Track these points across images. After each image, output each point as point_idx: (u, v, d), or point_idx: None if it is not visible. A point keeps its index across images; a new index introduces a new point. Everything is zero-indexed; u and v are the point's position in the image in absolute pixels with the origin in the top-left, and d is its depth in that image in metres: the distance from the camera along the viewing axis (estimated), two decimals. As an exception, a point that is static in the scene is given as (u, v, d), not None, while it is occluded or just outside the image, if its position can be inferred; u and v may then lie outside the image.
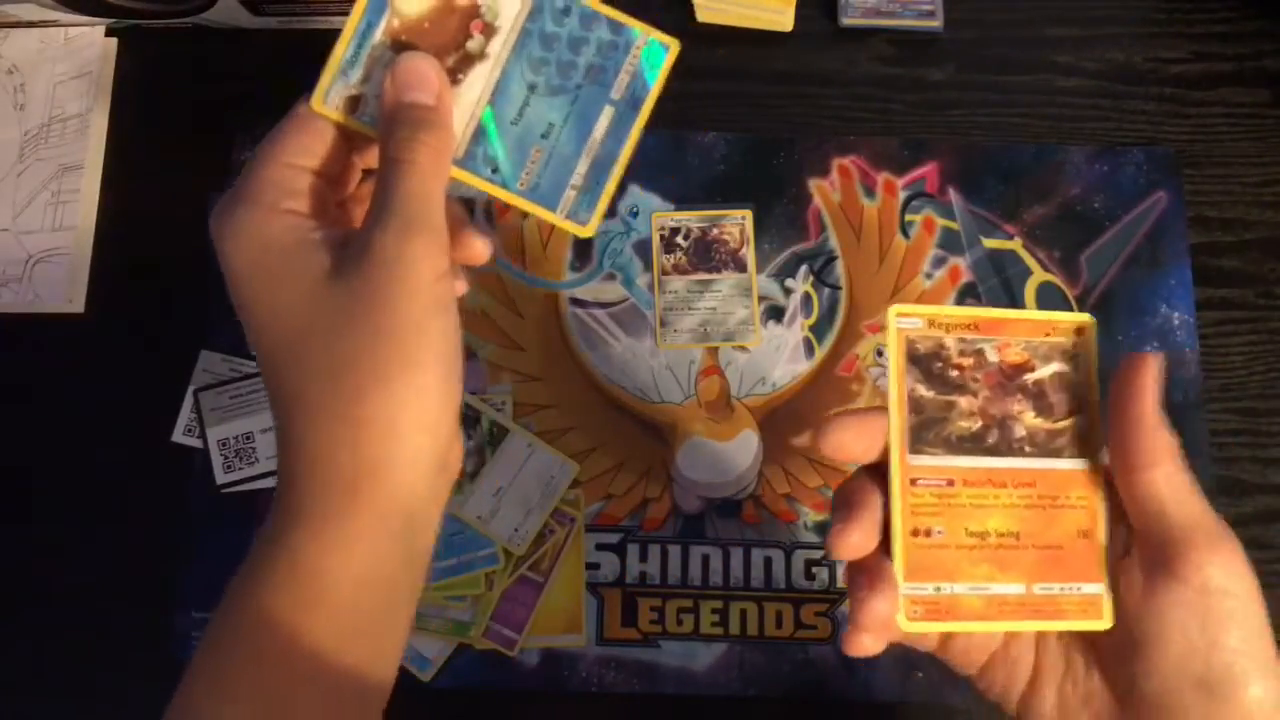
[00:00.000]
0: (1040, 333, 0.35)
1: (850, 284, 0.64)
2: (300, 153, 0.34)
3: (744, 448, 0.62)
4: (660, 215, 0.65)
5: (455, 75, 0.34)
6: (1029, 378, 0.35)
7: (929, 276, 0.64)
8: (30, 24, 0.67)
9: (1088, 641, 0.35)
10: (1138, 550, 0.33)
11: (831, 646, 0.59)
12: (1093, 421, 0.36)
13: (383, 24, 0.36)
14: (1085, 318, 0.36)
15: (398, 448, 0.31)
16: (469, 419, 0.60)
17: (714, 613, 0.59)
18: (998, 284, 0.64)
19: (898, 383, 0.34)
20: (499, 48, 0.35)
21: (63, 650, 0.58)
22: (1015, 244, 0.65)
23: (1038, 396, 0.35)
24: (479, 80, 0.34)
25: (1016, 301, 0.64)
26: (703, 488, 0.61)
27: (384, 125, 0.33)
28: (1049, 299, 0.64)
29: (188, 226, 0.64)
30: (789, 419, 0.62)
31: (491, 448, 0.60)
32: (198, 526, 0.59)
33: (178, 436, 0.60)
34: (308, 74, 0.68)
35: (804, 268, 0.64)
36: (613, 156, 0.36)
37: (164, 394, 0.61)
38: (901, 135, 0.67)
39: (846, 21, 0.69)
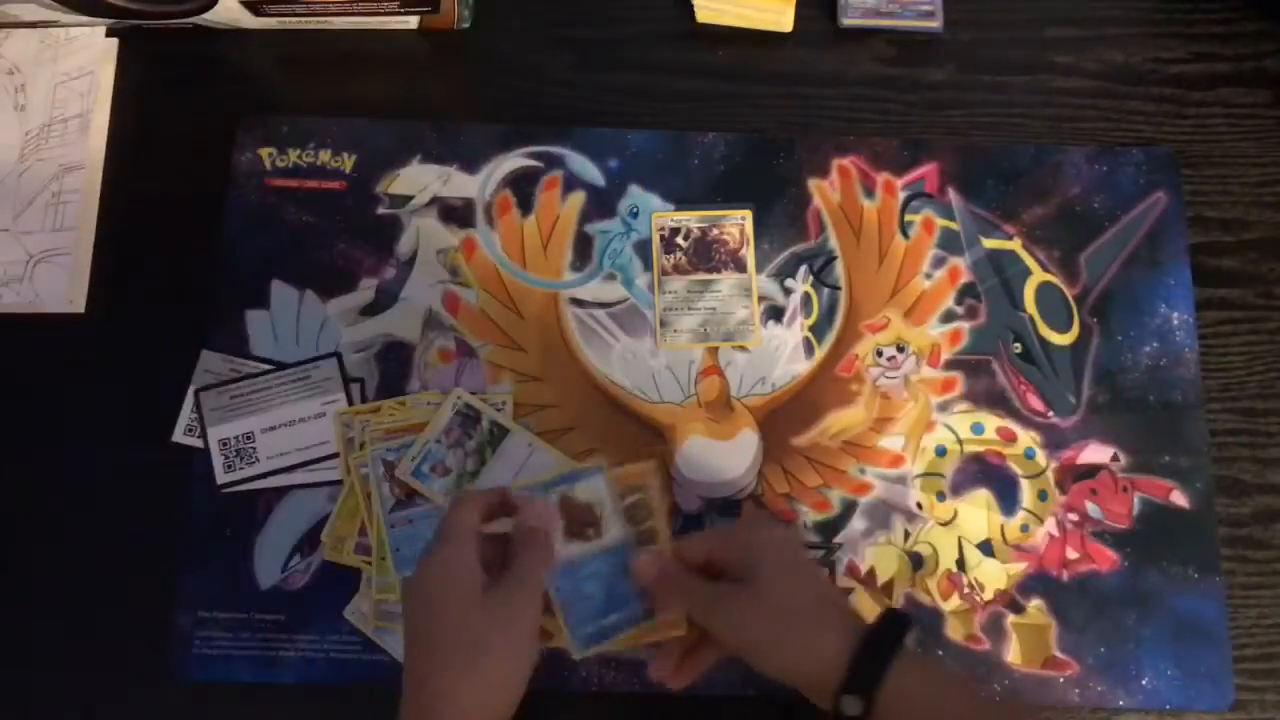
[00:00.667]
0: None
1: (850, 284, 0.64)
2: (472, 522, 0.51)
3: (744, 448, 0.62)
4: (660, 215, 0.65)
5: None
6: None
7: (928, 277, 0.64)
8: (31, 24, 0.67)
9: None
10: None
11: (831, 646, 0.59)
12: None
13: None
14: None
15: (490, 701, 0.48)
16: (469, 418, 0.60)
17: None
18: (997, 284, 0.64)
19: None
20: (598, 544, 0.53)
21: (63, 650, 0.58)
22: (1015, 244, 0.65)
23: None
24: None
25: (1016, 302, 0.64)
26: (703, 487, 0.61)
27: (518, 536, 0.51)
28: (1048, 299, 0.64)
29: (189, 227, 0.64)
30: (789, 419, 0.62)
31: (491, 448, 0.60)
32: (198, 526, 0.59)
33: (178, 436, 0.60)
34: (309, 75, 0.68)
35: (804, 268, 0.64)
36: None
37: (165, 394, 0.61)
38: (901, 135, 0.67)
39: (846, 22, 0.69)
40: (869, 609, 0.59)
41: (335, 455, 0.60)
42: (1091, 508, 0.61)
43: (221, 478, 0.60)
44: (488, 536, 0.51)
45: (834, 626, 0.49)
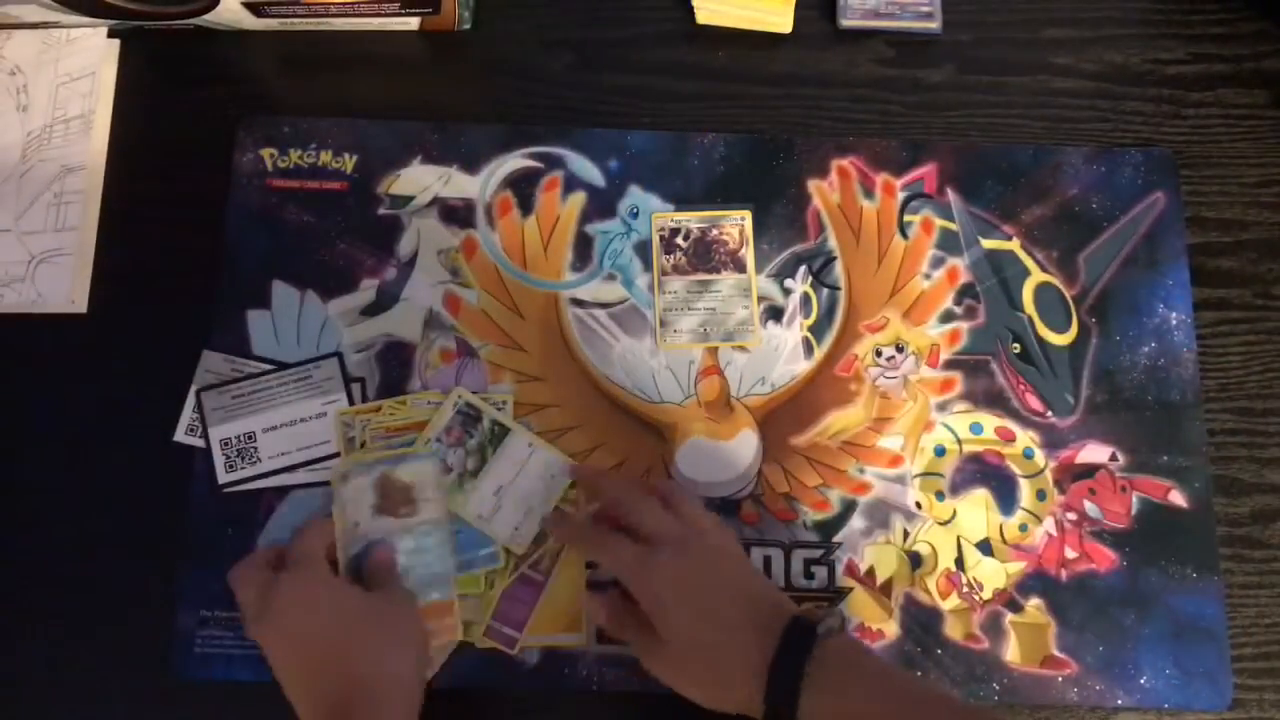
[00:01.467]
0: None
1: (849, 284, 0.64)
2: (322, 538, 0.57)
3: (743, 447, 0.62)
4: (660, 216, 0.65)
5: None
6: None
7: (927, 277, 0.65)
8: (33, 25, 0.68)
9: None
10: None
11: (831, 645, 0.59)
12: None
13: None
14: None
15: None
16: (470, 417, 0.60)
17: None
18: (996, 284, 0.65)
19: None
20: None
21: (64, 650, 0.58)
22: (1013, 244, 0.65)
23: None
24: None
25: (1015, 302, 0.64)
26: (703, 487, 0.61)
27: (373, 569, 0.56)
28: (1047, 299, 0.64)
29: (190, 227, 0.64)
30: (788, 419, 0.62)
31: (492, 447, 0.60)
32: (199, 526, 0.59)
33: (180, 436, 0.61)
34: (309, 76, 0.68)
35: (803, 268, 0.65)
36: None
37: (166, 394, 0.61)
38: (900, 136, 0.67)
39: (845, 23, 0.69)
40: (868, 608, 0.59)
41: (337, 455, 0.60)
42: (1090, 507, 0.61)
43: (223, 477, 0.60)
44: None
45: (741, 660, 0.49)
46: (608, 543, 0.54)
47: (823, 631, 0.49)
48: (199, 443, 0.60)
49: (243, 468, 0.60)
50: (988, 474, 0.62)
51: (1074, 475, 0.62)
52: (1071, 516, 0.61)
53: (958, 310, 0.64)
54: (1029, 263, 0.65)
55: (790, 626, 0.49)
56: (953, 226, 0.65)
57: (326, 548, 0.56)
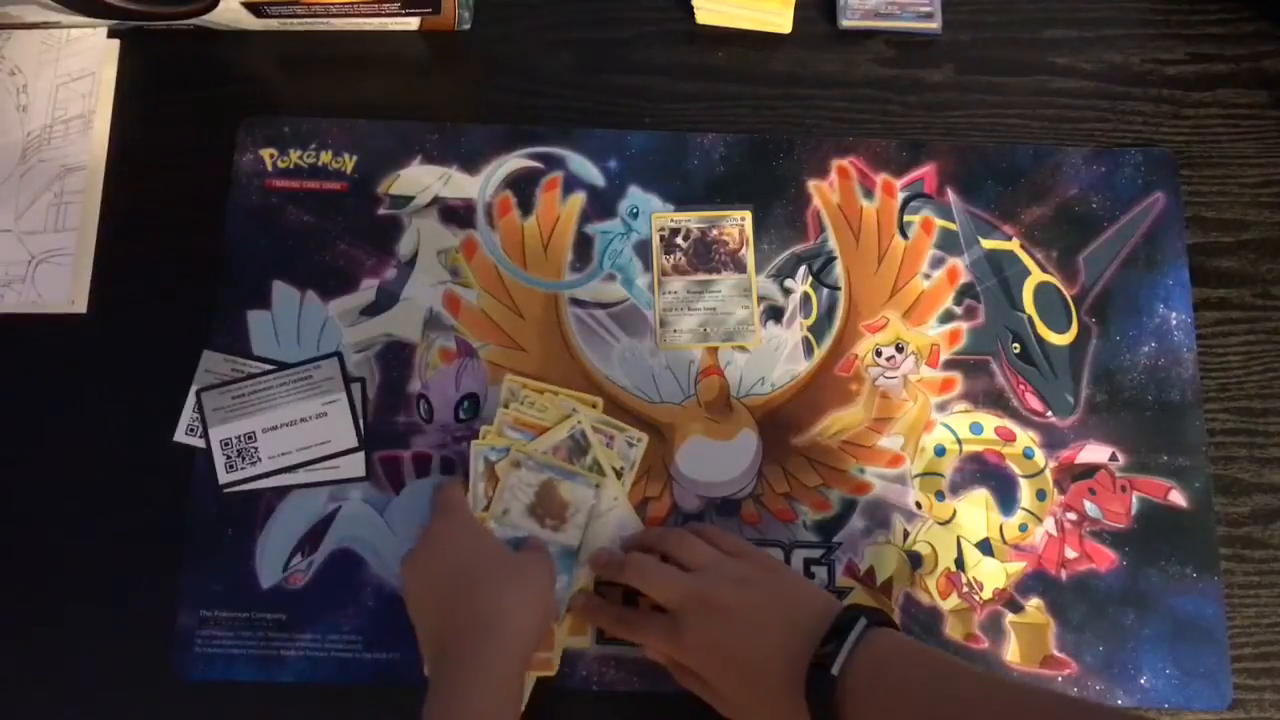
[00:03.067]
0: None
1: (849, 284, 0.64)
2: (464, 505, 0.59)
3: (743, 447, 0.62)
4: (660, 216, 0.65)
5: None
6: None
7: (927, 277, 0.65)
8: (33, 25, 0.68)
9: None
10: None
11: (831, 645, 0.59)
12: None
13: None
14: None
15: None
16: (578, 447, 0.60)
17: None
18: (996, 284, 0.65)
19: None
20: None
21: (64, 650, 0.58)
22: (1013, 244, 0.65)
23: None
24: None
25: (1015, 302, 0.64)
26: (702, 487, 0.61)
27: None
28: (1047, 299, 0.64)
29: (190, 227, 0.64)
30: (788, 419, 0.62)
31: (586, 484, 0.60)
32: (199, 526, 0.59)
33: (180, 436, 0.61)
34: (309, 77, 0.68)
35: (803, 268, 0.65)
36: None
37: (166, 394, 0.61)
38: (900, 136, 0.67)
39: (845, 23, 0.69)
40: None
41: (336, 455, 0.60)
42: (1090, 507, 0.61)
43: (223, 478, 0.60)
44: None
45: (786, 686, 0.49)
46: (637, 622, 0.56)
47: (858, 629, 0.49)
48: (199, 443, 0.60)
49: (243, 468, 0.60)
50: (988, 474, 0.62)
51: (1074, 475, 0.62)
52: (1071, 516, 0.61)
53: (958, 310, 0.64)
54: (1029, 263, 0.65)
55: (825, 636, 0.49)
56: (952, 226, 0.65)
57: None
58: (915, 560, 0.60)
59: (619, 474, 0.60)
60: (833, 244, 0.65)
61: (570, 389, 0.62)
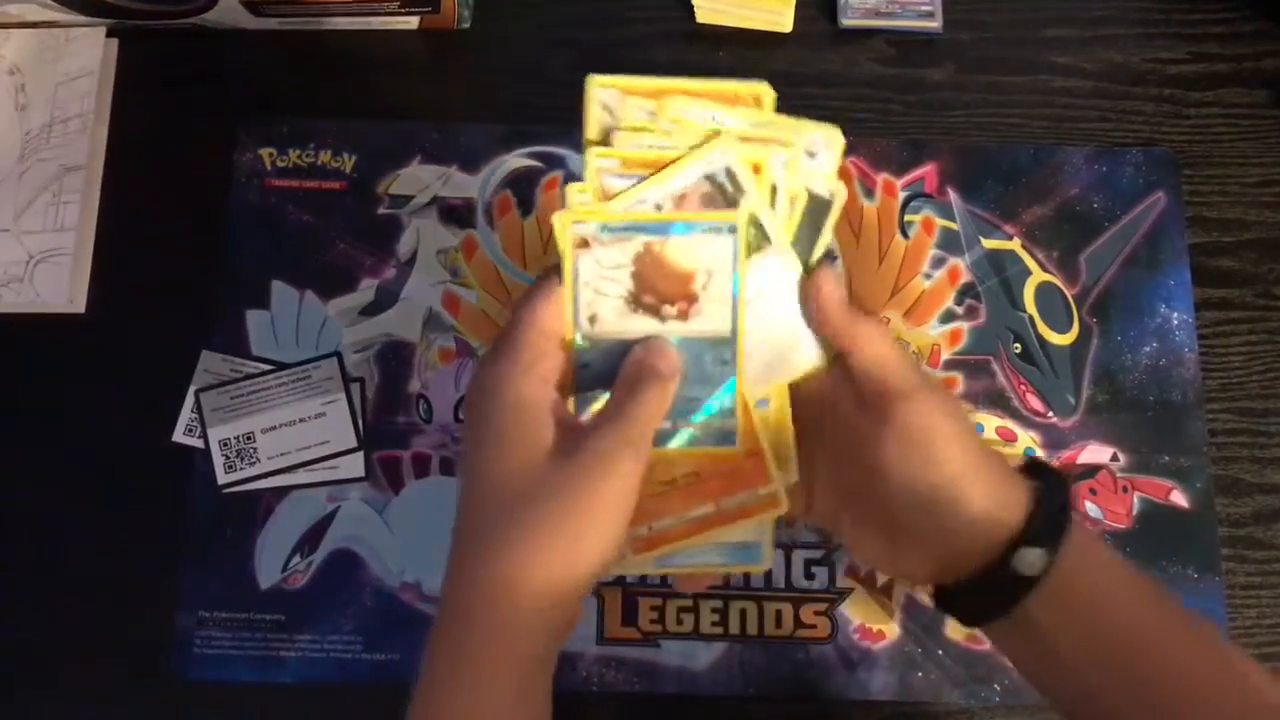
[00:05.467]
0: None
1: (850, 284, 0.64)
2: (554, 322, 0.39)
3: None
4: (660, 215, 0.65)
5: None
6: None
7: (928, 276, 0.64)
8: (32, 25, 0.67)
9: (857, 497, 0.41)
10: (868, 407, 0.40)
11: (831, 646, 0.59)
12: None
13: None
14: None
15: (552, 600, 0.37)
16: (720, 194, 0.40)
17: (714, 612, 0.59)
18: (997, 284, 0.64)
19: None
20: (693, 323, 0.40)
21: (64, 650, 0.58)
22: (1014, 244, 0.65)
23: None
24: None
25: (1016, 302, 0.64)
26: (703, 487, 0.61)
27: (632, 369, 0.39)
28: (1048, 299, 0.64)
29: (189, 227, 0.64)
30: (789, 419, 0.62)
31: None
32: (198, 527, 0.59)
33: (178, 436, 0.60)
34: (309, 76, 0.68)
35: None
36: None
37: (165, 394, 0.61)
38: (901, 136, 0.67)
39: (846, 22, 0.69)
40: (869, 609, 0.59)
41: (335, 455, 0.60)
42: (1091, 507, 0.61)
43: (222, 478, 0.60)
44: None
45: (1005, 469, 0.40)
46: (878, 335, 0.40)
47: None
48: (198, 443, 0.60)
49: (242, 468, 0.60)
50: (988, 474, 0.62)
51: (1075, 475, 0.62)
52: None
53: (958, 310, 0.64)
54: (1030, 262, 0.65)
55: (1033, 463, 0.41)
56: (953, 226, 0.65)
57: (545, 334, 0.39)
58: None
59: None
60: (833, 244, 0.65)
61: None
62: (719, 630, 0.59)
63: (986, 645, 0.59)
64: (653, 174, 0.39)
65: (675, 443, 0.40)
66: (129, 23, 0.67)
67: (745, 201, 0.39)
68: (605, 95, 0.41)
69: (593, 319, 0.39)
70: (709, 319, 0.39)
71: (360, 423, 0.61)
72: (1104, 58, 0.69)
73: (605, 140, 0.41)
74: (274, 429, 0.60)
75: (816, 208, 0.40)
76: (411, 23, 0.68)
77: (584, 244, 0.39)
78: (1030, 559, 0.37)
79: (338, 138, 0.66)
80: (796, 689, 0.58)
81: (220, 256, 0.63)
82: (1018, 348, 0.63)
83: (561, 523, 0.37)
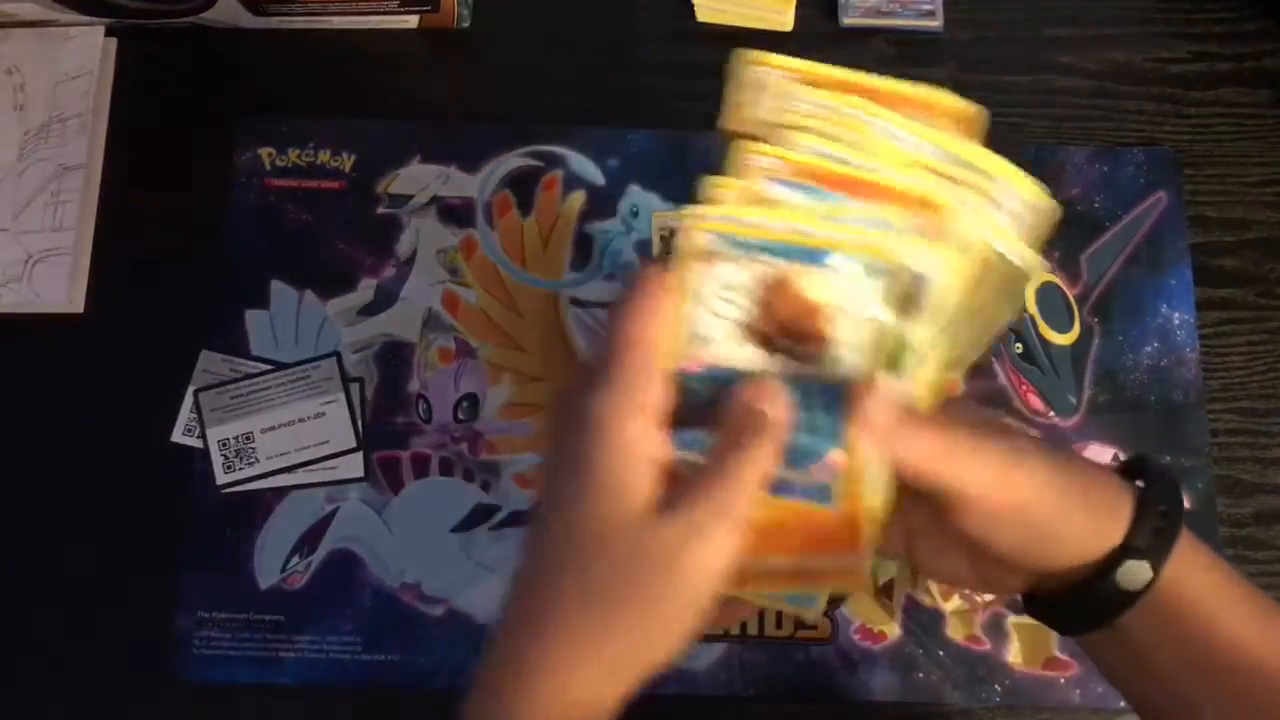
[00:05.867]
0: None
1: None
2: (663, 346, 0.34)
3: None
4: (660, 215, 0.65)
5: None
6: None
7: (929, 276, 0.64)
8: (30, 24, 0.67)
9: (935, 533, 0.39)
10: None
11: (831, 646, 0.58)
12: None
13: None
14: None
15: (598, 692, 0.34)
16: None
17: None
18: (998, 284, 0.64)
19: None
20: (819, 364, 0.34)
21: (63, 651, 0.58)
22: (1015, 244, 0.65)
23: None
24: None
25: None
26: (703, 488, 0.61)
27: (737, 414, 0.34)
28: (1049, 299, 0.64)
29: (188, 227, 0.64)
30: (789, 419, 0.62)
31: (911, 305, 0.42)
32: (198, 527, 0.59)
33: (177, 436, 0.60)
34: (308, 75, 0.68)
35: (804, 268, 0.64)
36: None
37: (164, 394, 0.61)
38: (901, 135, 0.67)
39: (847, 21, 0.69)
40: (870, 610, 0.59)
41: (334, 455, 0.60)
42: (1092, 508, 0.61)
43: (221, 478, 0.59)
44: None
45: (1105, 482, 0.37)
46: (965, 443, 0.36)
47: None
48: (197, 443, 0.60)
49: (241, 468, 0.59)
50: (989, 474, 0.61)
51: (1076, 476, 0.61)
52: (1073, 517, 0.61)
53: (959, 310, 0.64)
54: (1031, 262, 0.65)
55: (1135, 461, 0.40)
56: (954, 226, 0.65)
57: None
58: (916, 561, 0.60)
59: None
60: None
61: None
62: (719, 631, 0.59)
63: (987, 646, 0.59)
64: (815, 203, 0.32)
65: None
66: (128, 22, 0.67)
67: (908, 261, 0.32)
68: (759, 76, 0.33)
69: (704, 340, 0.34)
70: (829, 361, 0.33)
71: (359, 423, 0.61)
72: (1105, 57, 0.69)
73: (749, 132, 0.33)
74: (273, 429, 0.60)
75: (1007, 281, 0.33)
76: (411, 22, 0.67)
77: (709, 257, 0.33)
78: (1134, 573, 0.35)
79: (337, 137, 0.66)
80: (797, 690, 0.58)
81: (219, 256, 0.63)
82: (1019, 348, 0.63)
83: (641, 606, 0.33)
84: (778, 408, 0.33)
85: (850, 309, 0.33)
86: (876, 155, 0.33)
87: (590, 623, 0.33)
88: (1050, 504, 0.35)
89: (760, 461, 0.33)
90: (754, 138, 0.33)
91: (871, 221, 0.32)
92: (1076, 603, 0.37)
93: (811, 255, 0.32)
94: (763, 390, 0.33)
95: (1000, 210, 0.33)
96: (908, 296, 0.33)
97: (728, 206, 0.33)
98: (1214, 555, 0.39)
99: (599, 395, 0.33)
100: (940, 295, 0.33)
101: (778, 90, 0.33)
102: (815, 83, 0.33)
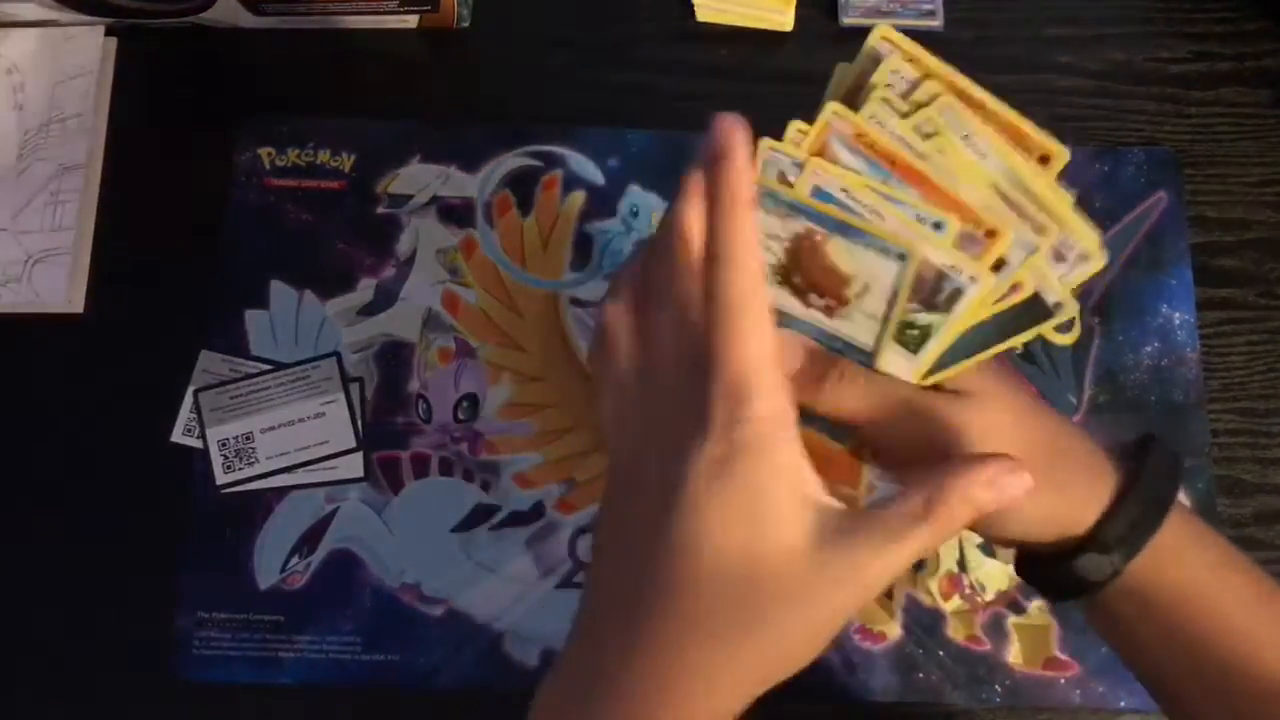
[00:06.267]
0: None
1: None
2: (789, 362, 0.35)
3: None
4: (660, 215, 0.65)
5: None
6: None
7: (929, 276, 0.64)
8: (30, 24, 0.67)
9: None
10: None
11: (832, 647, 0.58)
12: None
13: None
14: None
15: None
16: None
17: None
18: (998, 284, 0.64)
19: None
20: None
21: (63, 651, 0.58)
22: (1015, 244, 0.65)
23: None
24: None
25: (1017, 301, 0.64)
26: (703, 488, 0.61)
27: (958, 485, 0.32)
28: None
29: (188, 226, 0.64)
30: (789, 419, 0.62)
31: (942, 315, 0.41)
32: (197, 527, 0.59)
33: (177, 437, 0.60)
34: (308, 75, 0.68)
35: (804, 268, 0.64)
36: None
37: (164, 394, 0.61)
38: (902, 135, 0.67)
39: (847, 21, 0.69)
40: (870, 610, 0.59)
41: (334, 455, 0.60)
42: (1092, 508, 0.61)
43: (221, 478, 0.59)
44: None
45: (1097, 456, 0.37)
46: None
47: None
48: (197, 443, 0.60)
49: (241, 468, 0.59)
50: (989, 475, 0.61)
51: (1076, 476, 0.61)
52: (1074, 517, 0.61)
53: (959, 310, 0.64)
54: (1031, 262, 0.65)
55: (1143, 440, 0.39)
56: (954, 226, 0.65)
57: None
58: (917, 562, 0.60)
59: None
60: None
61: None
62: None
63: (987, 646, 0.59)
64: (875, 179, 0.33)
65: None
66: (128, 21, 0.67)
67: (924, 246, 0.32)
68: (882, 49, 0.35)
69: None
70: (855, 326, 0.35)
71: (359, 423, 0.61)
72: (1106, 57, 0.69)
73: (847, 98, 0.34)
74: (273, 429, 0.60)
75: (1031, 313, 0.34)
76: (411, 22, 0.67)
77: (757, 200, 0.32)
78: (1093, 565, 0.35)
79: (337, 137, 0.65)
80: (796, 690, 0.58)
81: (219, 256, 0.63)
82: (1019, 348, 0.63)
83: (792, 614, 0.31)
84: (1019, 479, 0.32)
85: (875, 288, 0.33)
86: (954, 161, 0.33)
87: (736, 646, 0.31)
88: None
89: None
90: (850, 104, 0.34)
91: (924, 215, 0.32)
92: (1046, 577, 0.38)
93: (849, 230, 0.33)
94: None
95: (1052, 250, 0.33)
96: (934, 294, 0.34)
97: (797, 148, 0.34)
98: (1213, 543, 0.39)
99: (758, 416, 0.30)
100: (964, 305, 0.34)
101: (892, 68, 0.34)
102: (930, 75, 0.35)
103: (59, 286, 0.63)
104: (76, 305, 0.63)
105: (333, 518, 0.60)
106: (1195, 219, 0.66)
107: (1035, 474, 0.32)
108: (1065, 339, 0.63)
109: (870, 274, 0.33)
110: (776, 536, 0.30)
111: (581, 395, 0.62)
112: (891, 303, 0.33)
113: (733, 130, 0.32)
